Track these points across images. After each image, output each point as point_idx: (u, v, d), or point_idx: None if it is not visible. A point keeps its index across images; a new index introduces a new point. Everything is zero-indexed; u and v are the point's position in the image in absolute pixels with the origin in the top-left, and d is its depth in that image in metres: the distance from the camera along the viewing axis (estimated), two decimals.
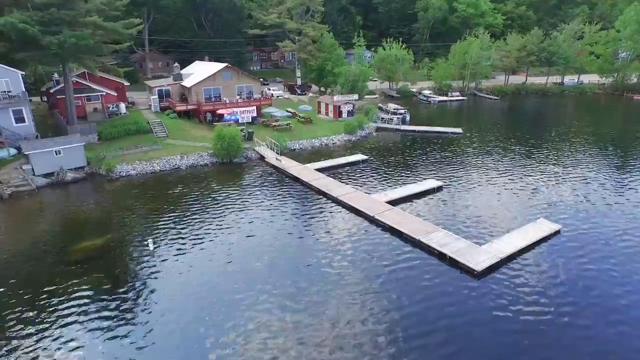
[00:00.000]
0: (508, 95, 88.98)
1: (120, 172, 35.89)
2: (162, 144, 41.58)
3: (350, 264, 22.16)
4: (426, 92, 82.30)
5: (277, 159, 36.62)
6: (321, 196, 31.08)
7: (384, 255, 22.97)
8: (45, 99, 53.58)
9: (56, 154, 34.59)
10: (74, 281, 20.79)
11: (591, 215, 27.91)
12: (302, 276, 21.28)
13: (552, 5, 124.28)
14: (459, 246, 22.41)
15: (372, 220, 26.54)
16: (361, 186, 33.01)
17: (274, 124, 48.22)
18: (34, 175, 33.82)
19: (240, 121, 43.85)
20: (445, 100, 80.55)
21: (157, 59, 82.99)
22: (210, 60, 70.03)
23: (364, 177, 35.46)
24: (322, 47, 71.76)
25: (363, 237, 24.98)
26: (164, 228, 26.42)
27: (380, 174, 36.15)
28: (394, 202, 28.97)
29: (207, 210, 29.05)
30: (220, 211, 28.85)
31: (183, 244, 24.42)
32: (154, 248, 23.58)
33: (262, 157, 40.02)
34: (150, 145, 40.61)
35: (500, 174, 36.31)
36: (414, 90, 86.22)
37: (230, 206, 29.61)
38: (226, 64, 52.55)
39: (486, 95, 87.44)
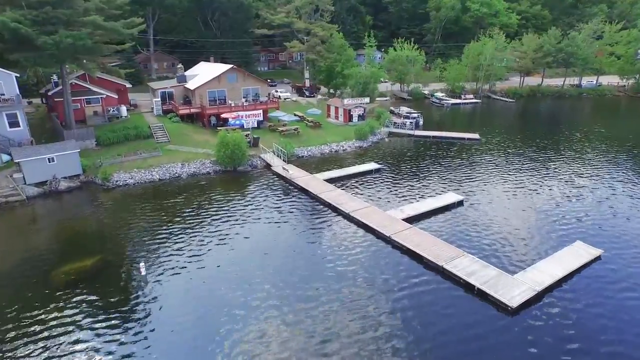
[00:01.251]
0: (523, 98, 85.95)
1: (117, 181, 33.71)
2: (163, 150, 39.40)
3: (362, 290, 19.69)
4: (439, 94, 79.41)
5: (283, 168, 34.22)
6: (331, 211, 28.59)
7: (401, 282, 20.44)
8: (45, 102, 51.73)
9: (49, 162, 32.50)
10: (59, 309, 18.57)
11: (632, 235, 25.12)
12: (308, 300, 19.02)
13: (569, 4, 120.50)
14: (489, 275, 19.80)
15: (388, 241, 24.00)
16: (374, 200, 30.47)
17: (281, 128, 45.86)
18: (25, 184, 31.76)
19: (245, 126, 41.51)
20: (459, 103, 77.67)
21: (162, 59, 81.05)
22: (216, 61, 67.96)
23: (378, 189, 32.89)
24: (332, 47, 69.39)
25: (377, 260, 22.47)
26: (161, 245, 24.13)
27: (395, 186, 33.56)
28: (411, 219, 26.41)
29: (208, 224, 26.73)
30: (221, 226, 26.53)
31: (179, 262, 22.12)
32: (147, 272, 21.24)
33: (268, 165, 37.64)
34: (150, 152, 38.44)
35: (524, 185, 33.56)
36: (426, 92, 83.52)
37: (232, 220, 27.25)
38: (231, 66, 50.32)
39: (501, 98, 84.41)
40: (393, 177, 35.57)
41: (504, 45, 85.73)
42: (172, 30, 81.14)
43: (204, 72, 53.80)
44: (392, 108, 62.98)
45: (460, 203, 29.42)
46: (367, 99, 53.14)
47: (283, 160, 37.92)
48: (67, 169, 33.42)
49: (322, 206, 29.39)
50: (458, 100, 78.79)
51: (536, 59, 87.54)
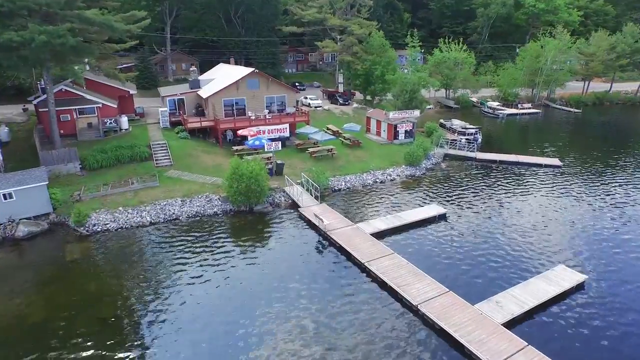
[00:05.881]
0: (588, 107, 74.01)
1: (94, 225, 25.38)
2: (161, 177, 31.01)
3: None
4: (492, 103, 68.54)
5: (316, 215, 25.04)
6: (385, 293, 19.21)
7: None
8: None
9: (4, 199, 24.52)
10: None
11: None
12: None
13: None
14: None
15: None
16: (450, 276, 20.52)
17: (311, 150, 36.74)
18: None
19: (266, 148, 32.69)
20: (516, 114, 66.59)
21: (181, 59, 73.35)
22: (239, 62, 59.87)
23: (450, 253, 23.01)
24: (370, 47, 59.79)
25: None
26: (131, 347, 15.51)
27: (474, 247, 23.65)
28: (515, 324, 16.78)
29: (200, 304, 17.96)
30: (217, 309, 17.70)
31: None
32: None
33: (294, 204, 28.57)
34: (144, 181, 30.09)
35: None
36: (474, 99, 72.92)
37: (232, 302, 18.34)
38: (253, 69, 41.65)
39: (562, 107, 72.77)
40: (466, 229, 25.76)
41: (568, 46, 73.70)
42: (192, 28, 73.46)
43: (221, 76, 45.46)
44: (442, 121, 52.94)
45: (580, 286, 19.49)
46: (417, 112, 43.34)
47: (314, 196, 28.83)
48: (30, 208, 25.37)
49: (372, 283, 20.02)
50: (514, 110, 67.76)
51: (607, 62, 75.12)
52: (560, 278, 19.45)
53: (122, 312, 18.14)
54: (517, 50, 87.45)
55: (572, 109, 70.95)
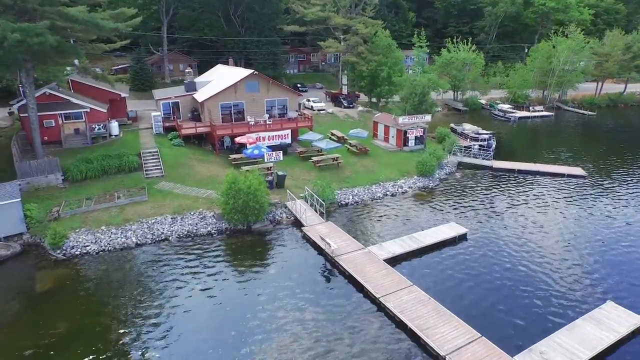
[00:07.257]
0: (602, 109, 71.06)
1: (72, 248, 22.54)
2: (151, 190, 28.17)
3: None
4: (503, 105, 65.63)
5: (322, 237, 22.18)
6: (404, 334, 16.34)
7: None
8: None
9: None
10: None
11: None
12: None
13: None
14: None
15: None
16: (479, 314, 17.65)
17: (315, 158, 33.89)
18: None
19: (266, 159, 29.84)
20: (527, 117, 63.65)
21: (179, 60, 70.51)
22: (238, 63, 57.14)
23: (475, 283, 20.03)
24: (376, 48, 56.91)
25: None
26: None
27: (502, 279, 20.69)
28: None
29: (191, 340, 15.18)
30: (214, 343, 14.93)
31: None
32: None
33: (297, 222, 25.70)
34: (131, 195, 27.25)
35: None
36: (483, 101, 70.08)
37: (226, 344, 15.51)
38: (252, 71, 38.83)
39: (576, 109, 69.86)
40: (491, 253, 22.82)
41: (582, 46, 70.61)
42: (190, 28, 70.65)
43: (219, 78, 42.67)
44: (452, 125, 49.99)
45: (638, 331, 16.57)
46: (428, 117, 40.42)
47: (319, 213, 25.96)
48: (1, 227, 22.61)
49: (388, 323, 17.14)
50: (526, 113, 64.81)
51: (621, 62, 72.05)
52: (612, 319, 16.54)
53: (99, 357, 15.32)
54: (527, 51, 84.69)
55: (585, 112, 68.00)
